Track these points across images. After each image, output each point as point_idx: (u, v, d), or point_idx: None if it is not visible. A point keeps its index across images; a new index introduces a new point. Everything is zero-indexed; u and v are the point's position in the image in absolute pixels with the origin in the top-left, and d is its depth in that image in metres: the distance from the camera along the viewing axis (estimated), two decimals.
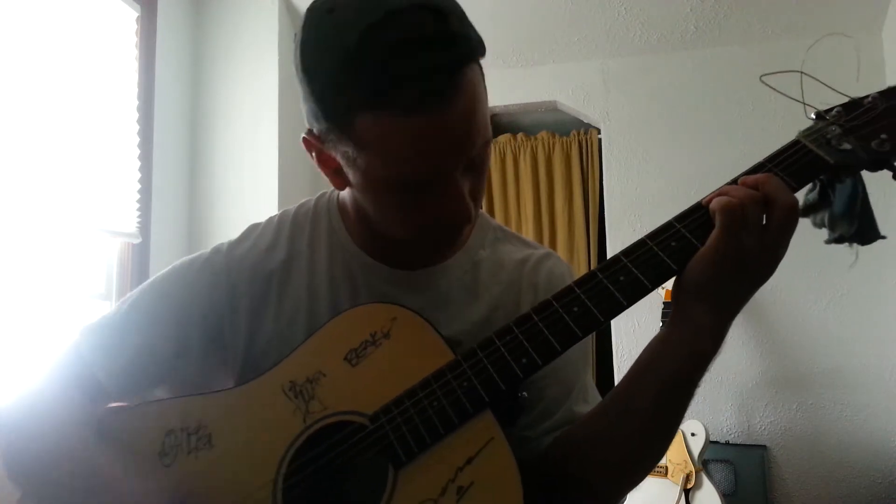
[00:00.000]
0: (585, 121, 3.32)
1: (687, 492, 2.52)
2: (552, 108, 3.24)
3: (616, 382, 0.78)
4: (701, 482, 2.53)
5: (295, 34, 0.66)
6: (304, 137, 0.71)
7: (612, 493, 0.74)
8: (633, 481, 0.73)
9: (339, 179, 0.72)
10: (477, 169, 0.68)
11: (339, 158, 0.68)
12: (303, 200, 0.87)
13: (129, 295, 0.83)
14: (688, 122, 3.01)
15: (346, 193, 0.81)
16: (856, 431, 2.72)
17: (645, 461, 0.71)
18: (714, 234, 0.62)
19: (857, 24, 2.76)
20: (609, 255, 3.07)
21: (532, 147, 3.69)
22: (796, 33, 2.84)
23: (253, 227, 0.85)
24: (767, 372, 2.82)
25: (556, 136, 3.69)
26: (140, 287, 0.83)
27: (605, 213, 3.13)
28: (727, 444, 2.77)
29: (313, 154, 0.71)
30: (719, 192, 0.65)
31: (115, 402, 0.79)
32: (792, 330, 2.81)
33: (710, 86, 2.99)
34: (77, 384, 0.76)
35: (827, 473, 2.73)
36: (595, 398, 0.82)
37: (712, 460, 2.70)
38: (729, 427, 2.83)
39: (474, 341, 0.75)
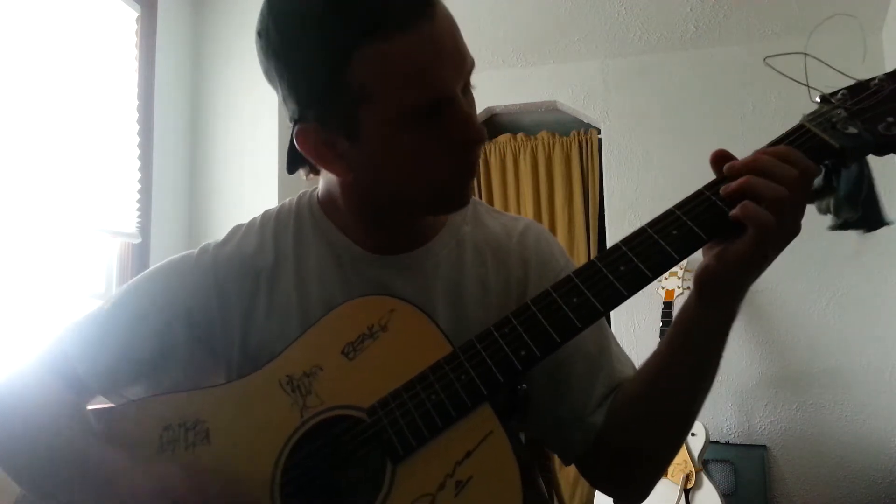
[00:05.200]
0: (585, 121, 3.33)
1: (687, 492, 2.52)
2: (552, 108, 3.24)
3: None
4: (701, 482, 2.53)
5: (259, 23, 0.67)
6: (297, 130, 0.69)
7: (668, 451, 0.77)
8: (682, 439, 0.76)
9: (343, 164, 0.71)
10: (468, 95, 0.69)
11: (339, 137, 0.68)
12: (284, 201, 0.87)
13: (115, 292, 0.83)
14: (688, 121, 3.01)
15: (329, 190, 0.81)
16: (856, 431, 2.72)
17: (686, 417, 0.74)
18: (748, 243, 0.60)
19: (858, 23, 2.76)
20: None
21: (532, 147, 3.69)
22: (796, 33, 2.83)
23: (237, 228, 0.85)
24: (767, 372, 2.82)
25: (556, 136, 3.69)
26: (125, 285, 0.83)
27: (605, 212, 3.13)
28: (727, 444, 2.77)
29: (310, 149, 0.70)
30: (742, 190, 0.61)
31: (97, 399, 0.79)
32: (792, 330, 2.81)
33: (710, 86, 2.99)
34: (60, 378, 0.76)
35: (827, 473, 2.73)
36: (627, 358, 0.83)
37: (712, 460, 2.70)
38: (729, 427, 2.84)
39: (465, 321, 0.76)
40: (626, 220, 3.03)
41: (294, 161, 0.76)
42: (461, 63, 0.66)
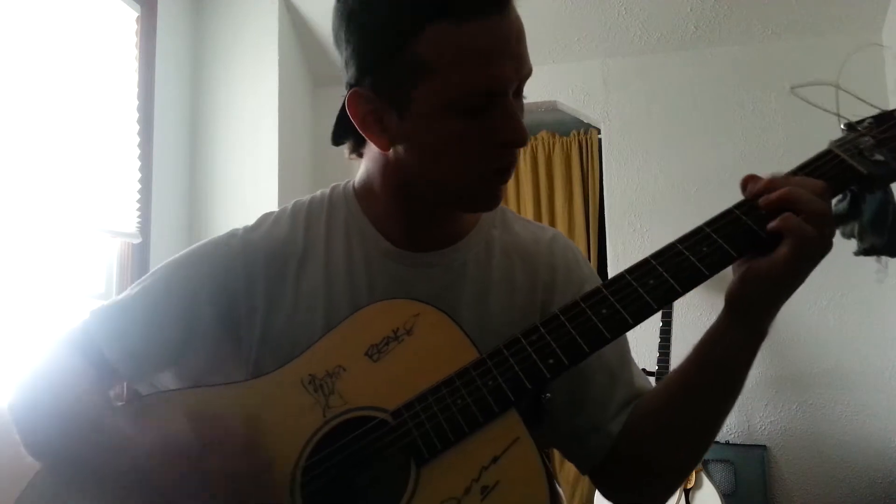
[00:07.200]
0: (585, 121, 3.32)
1: (687, 492, 2.52)
2: (552, 108, 3.24)
3: None
4: (701, 482, 2.53)
5: None
6: (350, 94, 0.70)
7: (685, 466, 0.77)
8: (701, 454, 0.76)
9: (385, 138, 0.72)
10: (519, 100, 0.70)
11: (387, 108, 0.69)
12: (315, 192, 0.87)
13: (142, 278, 0.82)
14: (688, 122, 3.00)
15: (369, 178, 0.81)
16: (856, 431, 2.72)
17: (707, 434, 0.74)
18: (786, 256, 0.62)
19: (858, 24, 2.76)
20: (609, 255, 3.07)
21: (532, 147, 3.69)
22: (796, 33, 2.83)
23: (266, 216, 0.85)
24: (767, 372, 2.82)
25: (556, 136, 3.69)
26: (153, 271, 0.83)
27: (605, 213, 3.13)
28: (727, 443, 2.77)
29: (358, 114, 0.71)
30: (784, 199, 0.63)
31: (124, 383, 0.79)
32: (792, 330, 2.81)
33: (710, 86, 2.99)
34: (88, 361, 0.76)
35: (827, 473, 2.73)
36: (645, 376, 0.83)
37: (712, 460, 2.70)
38: (729, 427, 2.83)
39: (489, 322, 0.76)
40: (626, 220, 3.03)
41: (340, 133, 0.77)
42: (521, 65, 0.67)
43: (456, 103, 0.66)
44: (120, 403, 0.76)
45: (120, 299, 0.81)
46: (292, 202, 0.87)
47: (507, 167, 0.72)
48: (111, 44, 2.37)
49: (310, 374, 0.71)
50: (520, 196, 3.72)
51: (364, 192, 0.82)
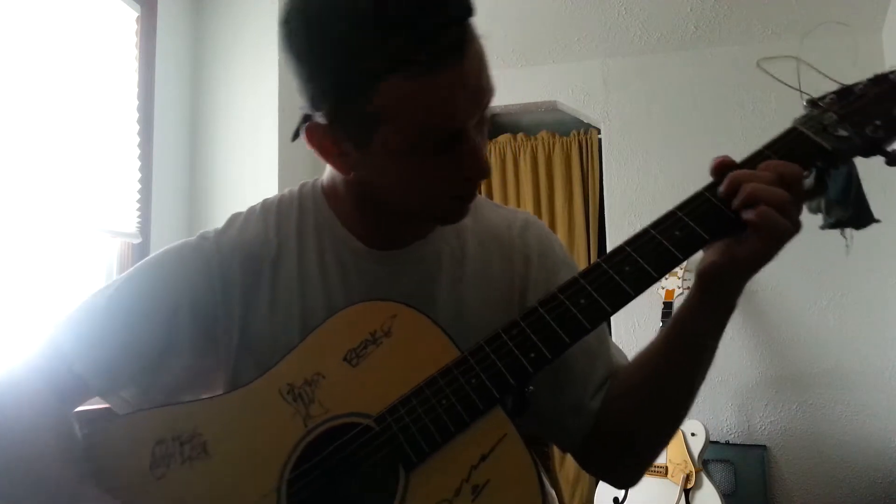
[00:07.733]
0: (585, 121, 3.33)
1: (687, 492, 2.52)
2: (552, 108, 3.24)
3: None
4: (701, 482, 2.53)
5: (287, 15, 0.65)
6: (307, 127, 0.68)
7: (663, 436, 0.78)
8: (677, 425, 0.77)
9: (345, 164, 0.72)
10: (482, 126, 0.69)
11: (346, 140, 0.68)
12: (284, 191, 0.86)
13: (110, 284, 0.79)
14: (688, 122, 3.01)
15: (334, 179, 0.80)
16: (856, 431, 2.72)
17: (683, 405, 0.75)
18: (756, 245, 0.63)
19: (857, 24, 2.76)
20: None
21: (532, 147, 3.69)
22: (796, 33, 2.83)
23: (235, 216, 0.84)
24: (767, 372, 2.82)
25: (556, 136, 3.69)
26: (123, 276, 0.79)
27: (605, 213, 3.13)
28: (727, 444, 2.77)
29: (315, 143, 0.70)
30: (750, 198, 0.63)
31: (95, 397, 0.75)
32: (792, 330, 2.81)
33: (710, 86, 2.99)
34: (53, 384, 0.72)
35: (827, 473, 2.73)
36: (622, 351, 0.84)
37: (712, 460, 2.70)
38: (729, 427, 2.84)
39: (466, 316, 0.77)
40: (626, 220, 3.03)
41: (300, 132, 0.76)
42: (481, 97, 0.66)
43: (415, 147, 0.65)
44: (83, 429, 0.72)
45: (90, 307, 0.77)
46: (261, 201, 0.86)
47: (469, 195, 0.74)
48: (111, 44, 2.37)
49: (288, 384, 0.69)
50: (520, 196, 3.72)
51: (331, 192, 0.82)
